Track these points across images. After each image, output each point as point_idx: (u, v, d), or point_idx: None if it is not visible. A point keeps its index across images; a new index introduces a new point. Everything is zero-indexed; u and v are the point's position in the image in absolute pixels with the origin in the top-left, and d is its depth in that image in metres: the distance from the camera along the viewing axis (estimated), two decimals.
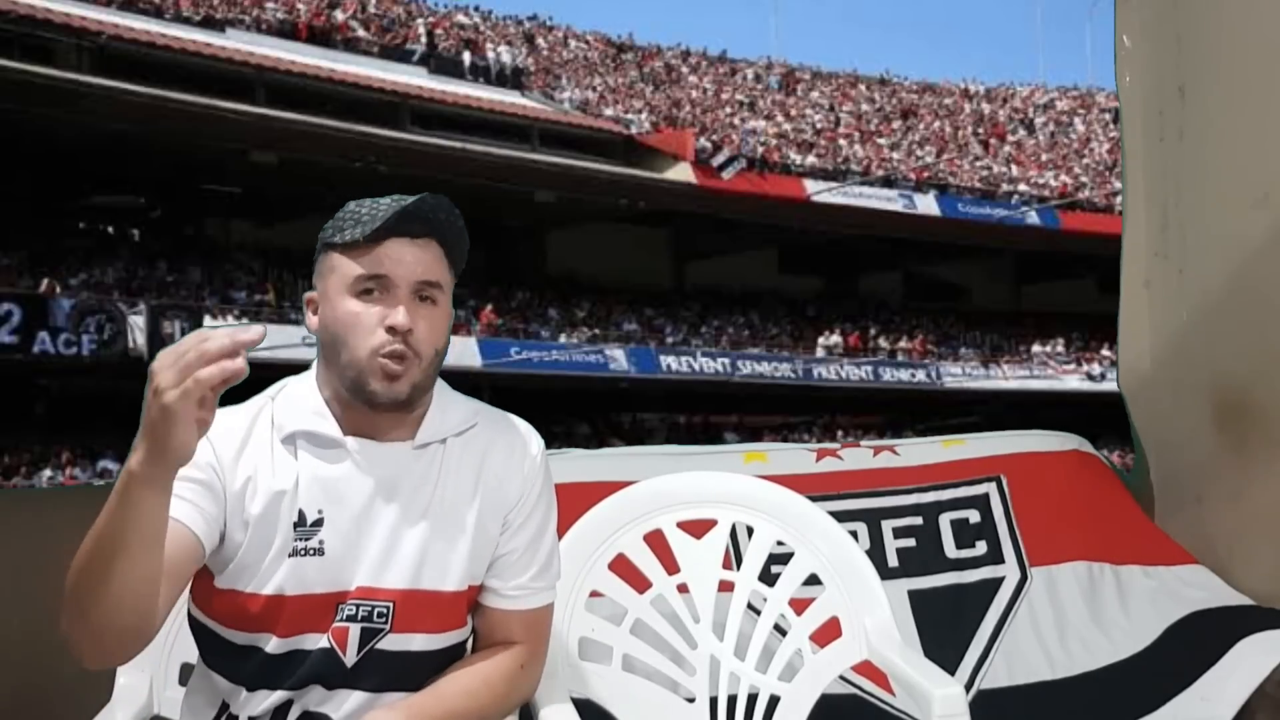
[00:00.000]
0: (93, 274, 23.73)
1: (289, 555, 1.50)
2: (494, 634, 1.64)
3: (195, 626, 1.58)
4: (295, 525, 1.51)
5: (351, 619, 1.52)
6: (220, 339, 1.23)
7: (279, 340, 22.51)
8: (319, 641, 1.51)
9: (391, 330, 1.49)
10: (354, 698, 1.53)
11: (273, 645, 1.51)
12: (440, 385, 1.62)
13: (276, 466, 1.53)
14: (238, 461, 1.52)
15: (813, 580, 2.07)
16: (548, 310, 30.09)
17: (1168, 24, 2.84)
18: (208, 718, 1.56)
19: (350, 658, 1.52)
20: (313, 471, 1.53)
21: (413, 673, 1.56)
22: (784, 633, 2.06)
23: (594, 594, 2.03)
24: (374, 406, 1.52)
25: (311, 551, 1.51)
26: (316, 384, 1.58)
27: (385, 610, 1.53)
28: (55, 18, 22.34)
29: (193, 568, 1.48)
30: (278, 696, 1.51)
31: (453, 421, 1.61)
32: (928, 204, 32.70)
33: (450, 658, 1.61)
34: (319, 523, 1.52)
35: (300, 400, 1.57)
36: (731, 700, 2.03)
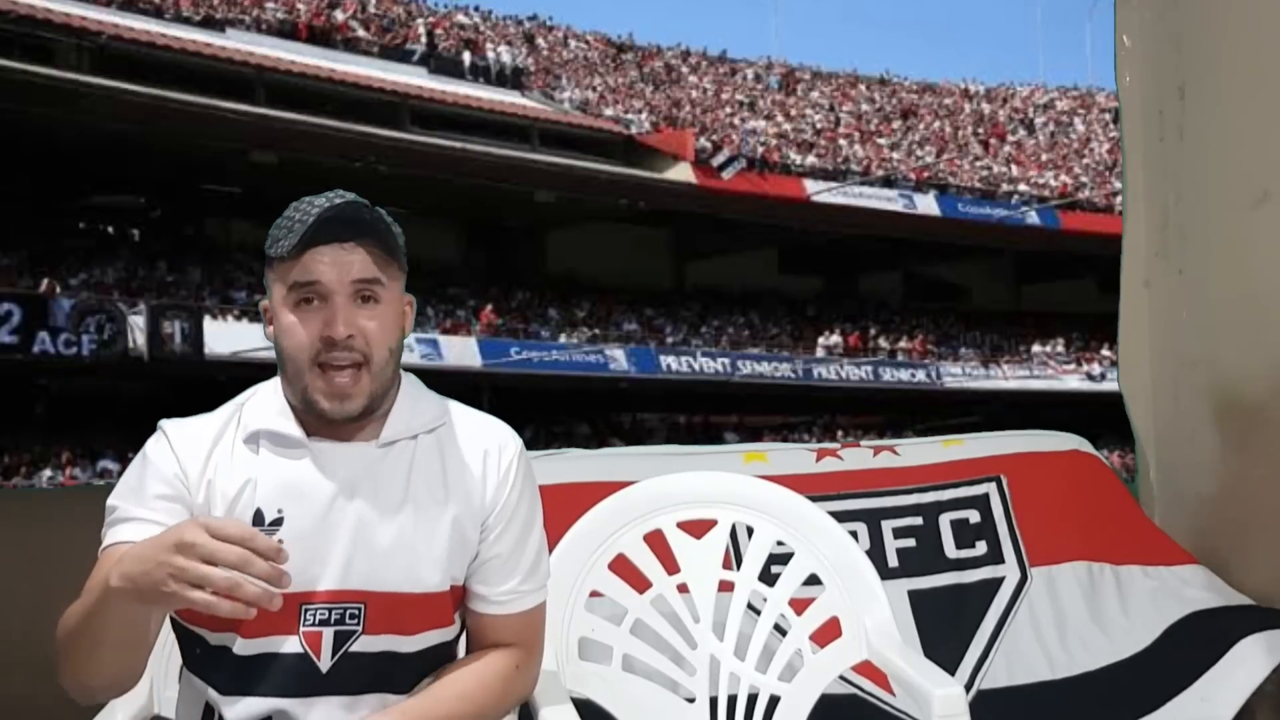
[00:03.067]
0: (93, 274, 23.74)
1: None
2: (486, 637, 1.63)
3: (176, 629, 1.56)
4: (252, 524, 1.49)
5: (323, 622, 1.50)
6: (250, 589, 1.23)
7: None
8: (288, 644, 1.49)
9: (329, 341, 1.48)
10: (334, 703, 1.50)
11: (239, 646, 1.49)
12: (409, 381, 1.60)
13: (237, 467, 1.52)
14: (203, 470, 1.51)
15: (813, 580, 2.07)
16: (548, 310, 30.10)
17: (1168, 24, 2.84)
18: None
19: (325, 662, 1.50)
20: (273, 470, 1.52)
21: (393, 675, 1.53)
22: (784, 633, 2.06)
23: (594, 594, 2.03)
24: (327, 421, 1.51)
25: None
26: (281, 387, 1.57)
27: (356, 612, 1.51)
28: (55, 18, 22.34)
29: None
30: (257, 704, 1.49)
31: (422, 418, 1.58)
32: (928, 204, 32.70)
33: (434, 658, 1.58)
34: (278, 522, 1.50)
35: (265, 402, 1.57)
36: (731, 700, 2.03)
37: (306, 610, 1.50)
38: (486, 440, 1.61)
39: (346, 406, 1.49)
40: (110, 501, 1.50)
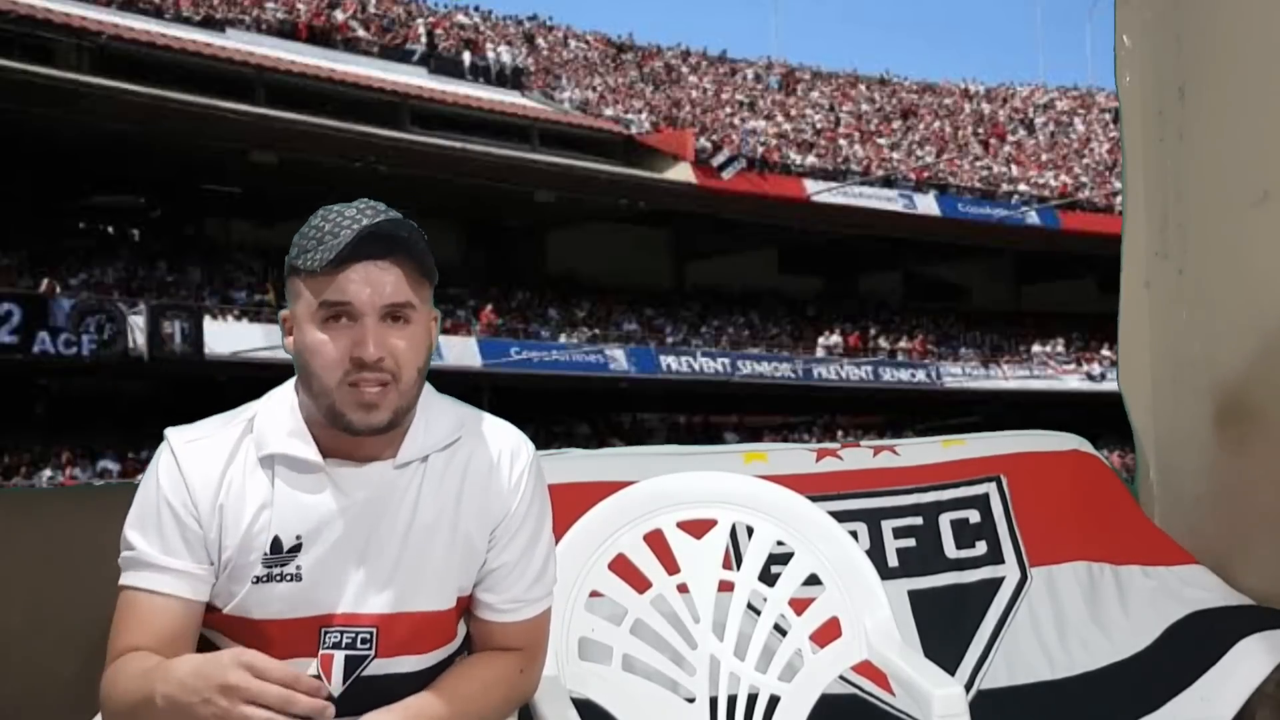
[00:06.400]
0: (93, 274, 23.74)
1: (265, 581, 1.48)
2: (490, 643, 1.63)
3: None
4: (271, 551, 1.49)
5: (336, 646, 1.50)
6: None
7: (279, 340, 22.50)
8: (308, 667, 1.49)
9: (359, 362, 1.44)
10: None
11: None
12: (426, 393, 1.56)
13: (251, 491, 1.50)
14: (215, 495, 1.49)
15: (813, 580, 2.07)
16: (548, 310, 30.09)
17: (1168, 24, 2.84)
18: None
19: (336, 686, 1.50)
20: (290, 496, 1.50)
21: (403, 695, 1.52)
22: (784, 633, 2.06)
23: (594, 594, 2.03)
24: (353, 434, 1.48)
25: (289, 577, 1.48)
26: (296, 403, 1.54)
27: (369, 636, 1.51)
28: (55, 18, 22.33)
29: (198, 625, 1.50)
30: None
31: (436, 436, 1.56)
32: (928, 204, 32.69)
33: (439, 674, 1.59)
34: (296, 549, 1.49)
35: (278, 422, 1.53)
36: (731, 700, 2.02)
37: (325, 633, 1.50)
38: (499, 448, 1.60)
39: (373, 418, 1.46)
40: (127, 533, 1.49)
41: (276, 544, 1.49)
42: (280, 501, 1.50)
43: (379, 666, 1.52)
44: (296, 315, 1.49)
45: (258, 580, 1.48)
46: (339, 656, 1.50)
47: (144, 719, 1.38)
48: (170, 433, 1.53)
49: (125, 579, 1.48)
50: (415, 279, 1.48)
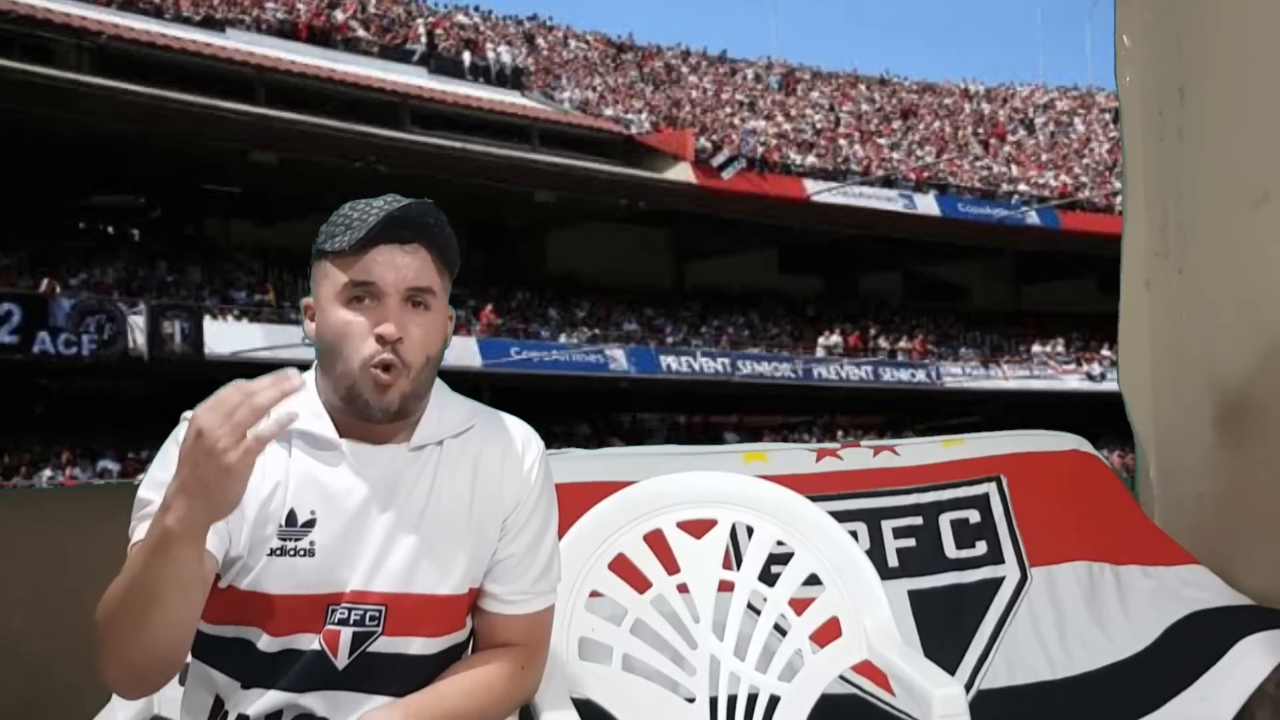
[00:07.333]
0: (93, 274, 23.73)
1: (278, 554, 1.50)
2: (494, 637, 1.64)
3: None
4: (285, 524, 1.51)
5: (343, 622, 1.52)
6: (267, 391, 1.26)
7: (279, 340, 22.60)
8: (311, 643, 1.51)
9: (381, 340, 1.49)
10: (348, 700, 1.52)
11: (264, 643, 1.51)
12: (439, 386, 1.61)
13: (269, 465, 1.52)
14: None
15: (813, 580, 2.07)
16: (548, 310, 30.09)
17: (1168, 24, 2.84)
18: (203, 714, 1.56)
19: (341, 660, 1.52)
20: (307, 471, 1.53)
21: (408, 676, 1.55)
22: (784, 633, 2.06)
23: (594, 594, 2.03)
24: (367, 418, 1.52)
25: (302, 552, 1.51)
26: (315, 386, 1.57)
27: (377, 613, 1.53)
28: (55, 18, 22.34)
29: (211, 581, 1.48)
30: (272, 697, 1.51)
31: (450, 423, 1.60)
32: (928, 204, 32.69)
33: (448, 661, 1.60)
34: (310, 523, 1.52)
35: (297, 402, 1.54)
36: (731, 700, 2.03)
37: (332, 610, 1.52)
38: (510, 441, 1.64)
39: (386, 398, 1.50)
40: (141, 494, 1.49)
41: (291, 517, 1.52)
42: (296, 476, 1.53)
43: (387, 645, 1.53)
44: (321, 299, 1.54)
45: (273, 553, 1.50)
46: (346, 632, 1.52)
47: (149, 587, 1.32)
48: (189, 413, 1.55)
49: (133, 537, 1.46)
50: (438, 265, 1.55)
